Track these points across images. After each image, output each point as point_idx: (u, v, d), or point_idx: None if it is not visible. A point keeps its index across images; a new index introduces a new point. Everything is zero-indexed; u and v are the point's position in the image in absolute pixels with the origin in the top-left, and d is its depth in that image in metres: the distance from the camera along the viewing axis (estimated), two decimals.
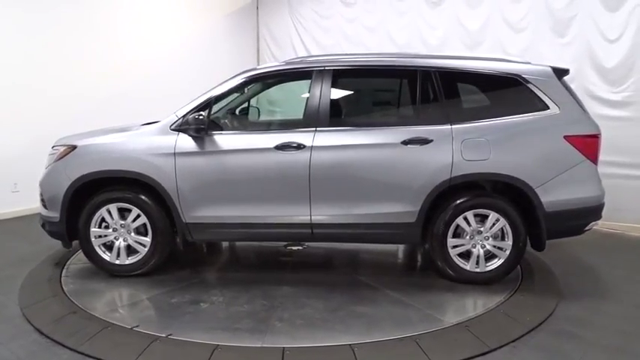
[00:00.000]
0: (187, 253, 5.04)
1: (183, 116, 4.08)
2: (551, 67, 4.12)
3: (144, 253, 4.17)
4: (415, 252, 5.09)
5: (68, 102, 6.80)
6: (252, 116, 4.89)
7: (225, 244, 5.31)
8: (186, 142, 4.05)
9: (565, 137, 3.92)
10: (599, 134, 4.02)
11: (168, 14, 8.15)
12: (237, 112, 4.80)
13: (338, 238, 4.26)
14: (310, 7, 8.51)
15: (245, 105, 5.06)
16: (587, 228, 4.11)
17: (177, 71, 8.01)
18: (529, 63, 4.21)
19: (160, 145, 4.06)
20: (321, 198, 4.01)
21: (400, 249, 5.19)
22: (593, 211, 4.06)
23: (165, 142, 4.06)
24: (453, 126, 3.97)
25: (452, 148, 3.92)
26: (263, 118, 5.07)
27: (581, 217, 4.04)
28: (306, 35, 8.51)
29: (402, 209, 3.98)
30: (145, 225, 4.15)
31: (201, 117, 3.95)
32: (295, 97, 5.12)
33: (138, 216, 4.14)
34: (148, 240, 4.16)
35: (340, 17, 8.19)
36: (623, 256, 5.16)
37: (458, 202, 3.99)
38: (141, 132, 4.19)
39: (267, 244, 5.14)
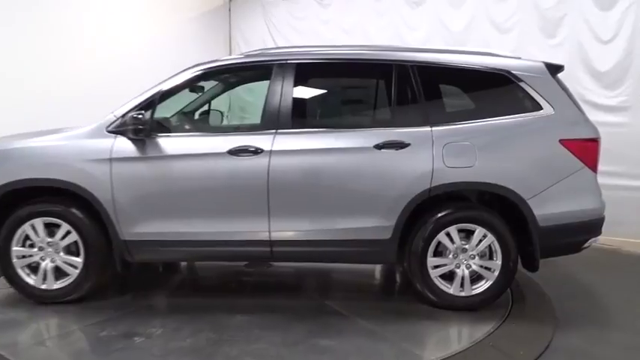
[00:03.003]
0: (137, 273, 4.43)
1: (122, 116, 3.51)
2: (544, 62, 3.64)
3: (75, 276, 3.56)
4: (393, 272, 4.53)
5: (26, 103, 6.18)
6: (206, 118, 4.32)
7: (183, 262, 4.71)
8: (124, 146, 3.48)
9: (561, 141, 3.43)
10: (599, 138, 3.54)
11: (134, 13, 7.63)
12: (192, 113, 4.23)
13: (301, 257, 3.69)
14: (284, 9, 8.04)
15: (205, 108, 4.50)
16: (585, 245, 3.60)
17: (143, 72, 7.35)
18: (519, 58, 3.72)
19: (94, 149, 3.48)
20: (282, 211, 3.45)
21: (377, 269, 4.63)
22: (593, 226, 3.56)
23: (99, 146, 3.48)
24: (434, 128, 3.45)
25: (432, 153, 3.39)
26: (221, 121, 4.50)
27: (579, 232, 3.53)
28: (280, 37, 8.02)
29: (375, 224, 3.44)
30: (76, 243, 3.54)
31: (140, 116, 3.38)
32: None
33: (68, 232, 3.53)
34: (79, 260, 3.55)
35: (315, 18, 7.73)
36: (621, 275, 4.68)
37: (439, 215, 3.47)
38: (71, 134, 3.60)
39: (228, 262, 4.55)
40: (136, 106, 3.52)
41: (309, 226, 3.46)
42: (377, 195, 3.43)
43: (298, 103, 3.63)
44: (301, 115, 3.69)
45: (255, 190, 3.43)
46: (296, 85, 3.58)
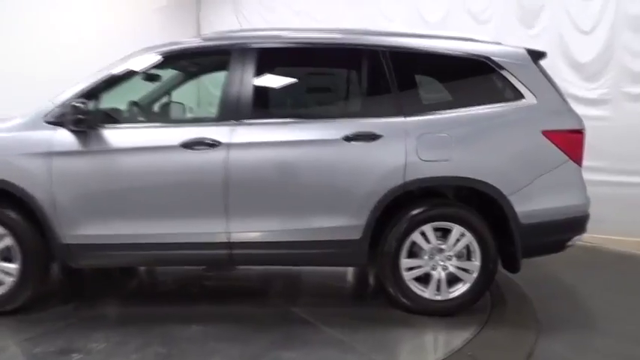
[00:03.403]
0: (86, 279, 4.05)
1: (62, 104, 3.14)
2: (525, 48, 3.38)
3: (10, 285, 3.18)
4: (366, 275, 4.23)
5: None
6: (160, 109, 3.96)
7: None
8: (66, 138, 3.12)
9: (544, 133, 3.18)
10: (584, 129, 3.30)
11: (98, 4, 7.24)
12: (146, 104, 3.87)
13: (263, 260, 3.37)
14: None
15: (164, 101, 4.14)
16: (569, 244, 3.37)
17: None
18: (500, 44, 3.46)
19: (30, 142, 3.12)
20: (242, 210, 3.13)
21: (349, 271, 4.33)
22: (578, 224, 3.33)
23: (36, 139, 3.12)
24: (408, 118, 3.17)
25: (405, 145, 3.11)
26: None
27: (563, 230, 3.30)
28: None
29: (344, 223, 3.14)
30: (10, 248, 3.15)
31: (81, 105, 3.02)
32: None
33: (1, 236, 3.15)
34: (15, 267, 3.17)
35: (288, 9, 7.46)
36: (603, 274, 4.48)
37: (413, 213, 3.18)
38: (4, 126, 3.21)
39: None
40: (76, 94, 3.15)
41: (271, 226, 3.15)
42: (346, 191, 3.13)
43: (260, 91, 3.31)
44: (263, 105, 3.37)
45: (212, 187, 3.11)
46: (258, 71, 3.27)
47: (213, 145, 3.10)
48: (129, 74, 3.34)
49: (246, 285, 4.05)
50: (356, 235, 3.16)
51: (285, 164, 3.12)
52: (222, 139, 3.10)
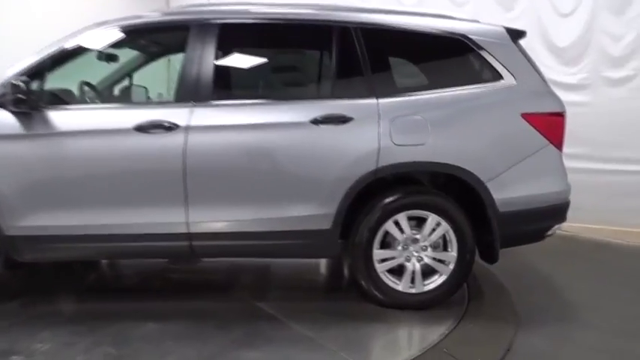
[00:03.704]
0: (38, 273, 3.77)
1: (3, 83, 2.86)
2: (504, 27, 3.20)
3: None
4: (340, 268, 4.03)
5: None
6: (114, 89, 3.68)
7: None
8: (6, 120, 2.83)
9: (523, 115, 3.01)
10: (565, 112, 3.14)
11: None
12: (102, 86, 3.60)
13: (226, 252, 3.14)
14: None
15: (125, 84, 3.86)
16: (549, 233, 3.22)
17: None
18: (477, 22, 3.27)
19: None
20: (202, 199, 2.90)
21: (321, 263, 4.12)
22: (558, 212, 3.18)
23: None
24: (380, 100, 2.96)
25: (378, 128, 2.91)
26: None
27: (543, 218, 3.15)
28: None
29: (313, 212, 2.94)
30: None
31: (21, 84, 2.74)
32: None
33: None
34: None
35: None
36: (582, 264, 4.38)
37: (386, 201, 2.99)
38: None
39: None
40: (19, 72, 2.87)
41: (233, 215, 2.93)
42: (314, 178, 2.92)
43: (221, 70, 3.07)
44: (225, 85, 3.13)
45: (169, 173, 2.87)
46: (219, 49, 3.02)
47: (170, 128, 2.85)
48: (79, 51, 3.07)
49: (212, 278, 3.82)
50: (326, 225, 2.96)
51: (248, 149, 2.89)
52: (180, 122, 2.86)
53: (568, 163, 3.55)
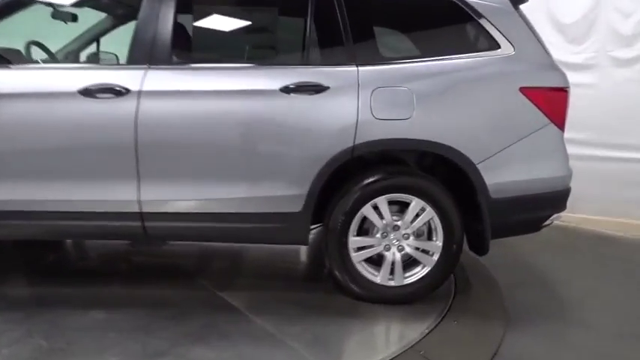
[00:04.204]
0: None
1: None
2: None
3: None
4: (318, 255, 3.70)
5: None
6: (63, 49, 3.32)
7: None
8: None
9: (522, 90, 2.66)
10: (568, 88, 2.79)
11: None
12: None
13: (183, 235, 2.82)
14: None
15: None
16: (546, 223, 2.89)
17: None
18: None
19: None
20: (156, 174, 2.58)
21: (298, 250, 3.80)
22: (557, 199, 2.85)
23: None
24: (361, 68, 2.62)
25: (357, 100, 2.57)
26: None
27: (540, 207, 2.82)
28: None
29: (281, 192, 2.61)
30: None
31: None
32: None
33: None
34: None
35: None
36: (581, 258, 4.07)
37: (365, 182, 2.66)
38: None
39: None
40: None
41: (191, 194, 2.60)
42: (283, 154, 2.59)
43: (182, 29, 2.72)
44: (185, 47, 2.79)
45: (119, 144, 2.54)
46: (180, 5, 2.66)
47: (120, 92, 2.51)
48: (22, 4, 2.70)
49: (175, 263, 3.50)
50: (296, 208, 2.63)
51: (209, 119, 2.55)
52: (132, 86, 2.52)
53: (569, 149, 3.24)
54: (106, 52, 3.55)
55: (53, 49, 3.31)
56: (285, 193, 2.61)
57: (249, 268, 3.56)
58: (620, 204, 4.65)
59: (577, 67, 4.68)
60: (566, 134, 3.02)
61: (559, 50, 4.75)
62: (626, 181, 4.61)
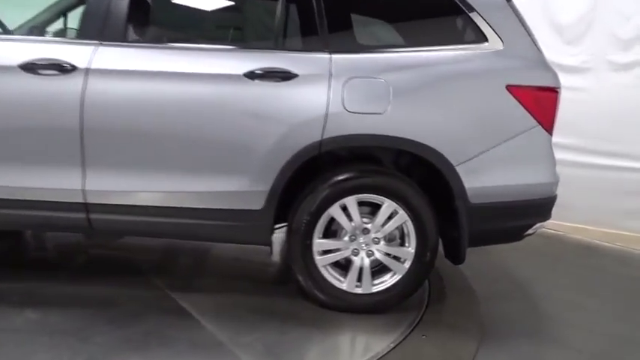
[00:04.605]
0: None
1: None
2: None
3: None
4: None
5: None
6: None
7: None
8: None
9: (509, 88, 2.44)
10: (559, 88, 2.57)
11: None
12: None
13: (131, 229, 2.58)
14: None
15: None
16: (529, 232, 2.68)
17: None
18: None
19: None
20: (103, 163, 2.36)
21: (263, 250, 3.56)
22: (542, 207, 2.65)
23: None
24: (334, 55, 2.39)
25: (328, 90, 2.35)
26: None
27: (522, 215, 2.61)
28: None
29: (241, 187, 2.38)
30: None
31: None
32: None
33: None
34: None
35: None
36: (566, 269, 3.87)
37: (333, 180, 2.43)
38: None
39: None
40: None
41: (141, 186, 2.37)
42: (244, 146, 2.36)
43: (139, 2, 2.47)
44: (142, 22, 2.55)
45: (62, 126, 2.30)
46: None
47: (66, 69, 2.27)
48: None
49: (130, 258, 3.25)
50: (256, 205, 2.41)
51: (163, 103, 2.32)
52: (79, 63, 2.28)
53: (558, 155, 3.04)
54: (69, 29, 3.30)
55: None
56: (245, 188, 2.39)
57: (212, 268, 3.33)
58: (609, 214, 4.46)
59: (572, 70, 4.47)
60: (556, 139, 2.82)
61: (555, 52, 4.53)
62: (616, 191, 4.43)
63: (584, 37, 4.51)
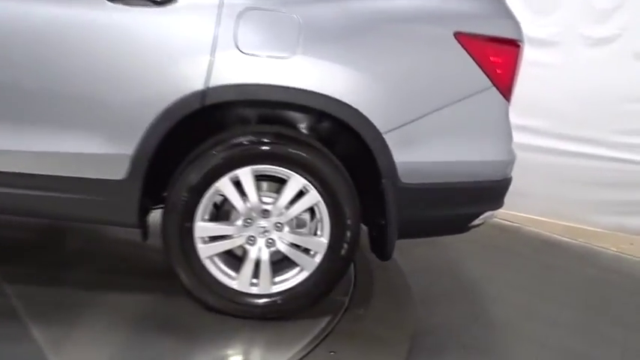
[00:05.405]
0: None
1: None
2: None
3: None
4: None
5: None
6: None
7: None
8: None
9: (457, 36, 1.87)
10: (522, 43, 2.02)
11: None
12: None
13: None
14: None
15: None
16: (476, 222, 2.15)
17: None
18: None
19: None
20: None
21: None
22: (492, 192, 2.12)
23: None
24: None
25: (217, 23, 1.73)
26: None
27: (468, 200, 2.08)
28: None
29: (95, 149, 1.77)
30: None
31: None
32: None
33: None
34: None
35: None
36: (521, 267, 3.37)
37: (222, 145, 1.83)
38: None
39: None
40: None
41: None
42: (97, 93, 1.75)
43: None
44: None
45: None
46: None
47: None
48: None
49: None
50: (117, 174, 1.80)
51: None
52: None
53: (518, 138, 2.50)
54: None
55: None
56: (101, 151, 1.77)
57: (83, 253, 2.62)
58: (571, 205, 4.01)
59: (539, 43, 3.93)
60: (515, 119, 2.28)
61: (524, 21, 4.02)
62: (582, 181, 3.97)
63: (555, 5, 4.00)
